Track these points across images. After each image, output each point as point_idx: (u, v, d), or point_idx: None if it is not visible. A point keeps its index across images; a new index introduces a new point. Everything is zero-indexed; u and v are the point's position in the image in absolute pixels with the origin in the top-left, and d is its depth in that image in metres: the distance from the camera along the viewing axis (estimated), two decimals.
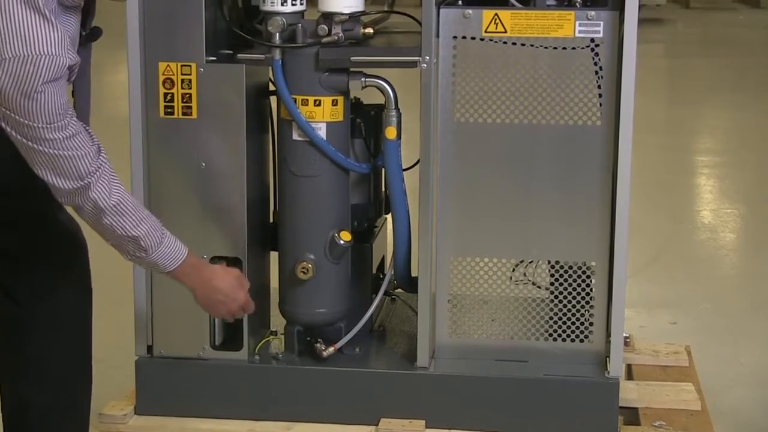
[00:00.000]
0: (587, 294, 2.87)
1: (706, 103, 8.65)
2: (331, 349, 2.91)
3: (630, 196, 2.76)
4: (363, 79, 2.81)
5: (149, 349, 2.95)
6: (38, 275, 2.59)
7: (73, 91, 2.47)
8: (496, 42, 2.77)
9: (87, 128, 2.37)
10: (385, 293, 3.06)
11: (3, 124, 2.27)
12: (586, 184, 2.81)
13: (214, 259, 2.88)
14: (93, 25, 2.43)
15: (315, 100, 2.80)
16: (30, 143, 2.26)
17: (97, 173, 2.34)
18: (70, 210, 2.49)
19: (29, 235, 2.56)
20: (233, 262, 2.89)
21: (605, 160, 2.79)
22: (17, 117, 2.23)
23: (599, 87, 2.76)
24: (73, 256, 2.64)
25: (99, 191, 2.34)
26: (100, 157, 2.35)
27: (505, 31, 2.77)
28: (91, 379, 2.71)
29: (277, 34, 2.74)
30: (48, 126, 2.24)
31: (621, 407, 2.86)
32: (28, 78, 2.19)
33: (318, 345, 2.91)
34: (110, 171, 2.38)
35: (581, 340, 2.89)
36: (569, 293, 2.88)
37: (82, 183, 2.32)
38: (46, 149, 2.27)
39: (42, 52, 2.19)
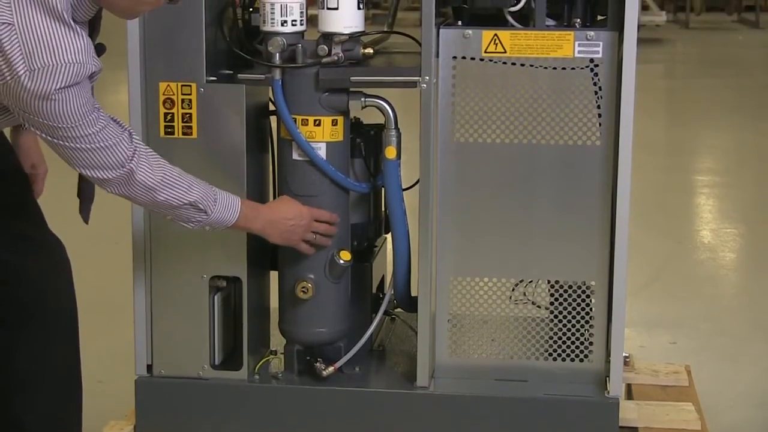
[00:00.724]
0: (587, 314, 2.87)
1: (706, 123, 8.67)
2: (331, 369, 2.91)
3: (629, 215, 2.77)
4: (363, 99, 2.82)
5: (149, 368, 2.95)
6: (25, 296, 2.60)
7: None
8: (495, 62, 2.78)
9: (114, 118, 2.43)
10: (385, 313, 3.06)
11: (41, 135, 2.33)
12: (586, 203, 2.81)
13: (214, 279, 2.88)
14: (98, 41, 2.46)
15: (315, 120, 2.80)
16: (66, 143, 2.33)
17: (136, 156, 2.43)
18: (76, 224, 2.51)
19: (15, 258, 2.58)
20: (233, 281, 2.89)
21: (605, 180, 2.80)
22: (48, 122, 2.28)
23: (599, 107, 2.77)
24: (58, 274, 2.65)
25: (143, 172, 2.44)
26: (134, 141, 2.44)
27: (505, 52, 2.78)
28: (81, 395, 2.72)
29: (277, 54, 2.75)
30: (78, 125, 2.30)
31: (621, 427, 2.85)
32: (46, 83, 2.23)
33: (318, 364, 2.91)
34: (146, 150, 2.48)
35: (581, 360, 2.89)
36: (569, 313, 2.88)
37: (124, 170, 2.41)
38: (81, 146, 2.34)
39: (69, 60, 2.23)
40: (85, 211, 2.72)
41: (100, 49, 2.48)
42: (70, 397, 2.70)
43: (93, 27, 2.43)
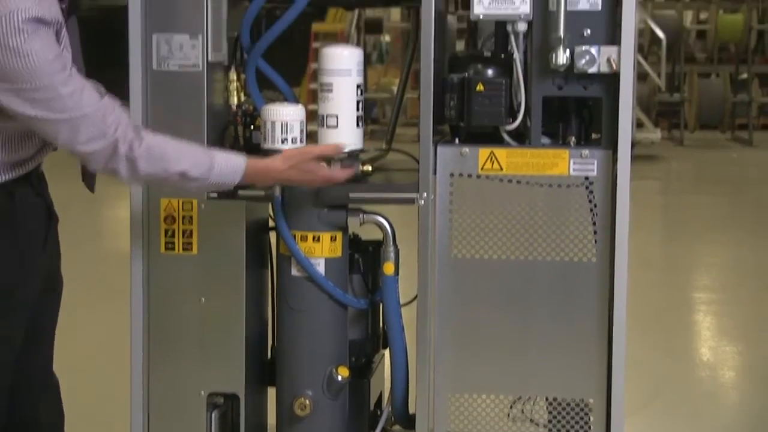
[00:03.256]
0: None
1: (703, 240, 8.70)
2: None
3: (626, 332, 2.77)
4: (362, 216, 2.85)
5: None
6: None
7: None
8: (492, 179, 2.82)
9: (97, 86, 2.47)
10: (383, 430, 3.04)
11: (20, 112, 2.36)
12: (583, 320, 2.82)
13: (212, 396, 2.87)
14: None
15: (314, 236, 2.83)
16: (47, 114, 2.36)
17: (120, 127, 2.44)
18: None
19: None
20: (231, 398, 2.88)
21: (601, 297, 2.81)
22: (24, 85, 2.33)
23: (594, 224, 2.80)
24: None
25: (128, 145, 2.45)
26: (116, 110, 2.46)
27: (501, 169, 2.82)
28: None
29: None
30: (51, 81, 2.34)
31: None
32: (10, 34, 2.29)
33: None
34: (131, 122, 2.49)
35: None
36: (567, 431, 2.86)
37: (108, 141, 2.42)
38: (62, 116, 2.37)
39: (10, 7, 2.30)
40: (89, 179, 2.73)
41: (74, 2, 2.54)
42: None
43: None
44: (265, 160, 2.66)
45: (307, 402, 2.84)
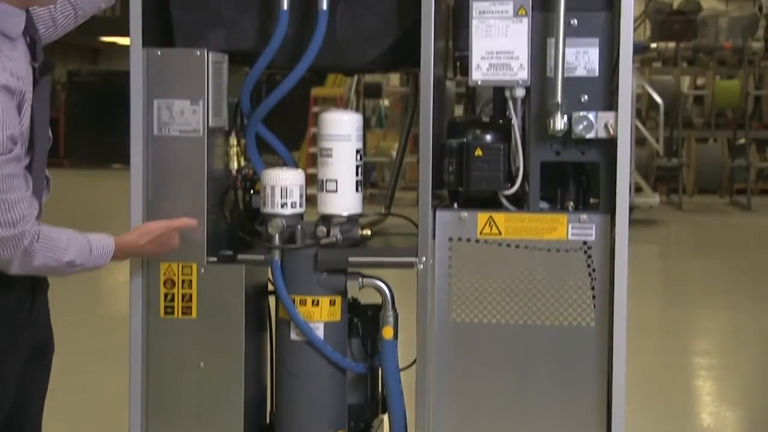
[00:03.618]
0: None
1: (702, 304, 8.69)
2: None
3: (626, 397, 2.76)
4: (361, 280, 2.86)
5: None
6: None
7: (31, 126, 2.51)
8: (491, 244, 2.83)
9: (27, 174, 2.48)
10: None
11: None
12: (582, 384, 2.81)
13: None
14: (45, 58, 2.54)
15: (313, 300, 2.83)
16: None
17: (30, 222, 2.45)
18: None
19: None
20: None
21: (600, 361, 2.81)
22: None
23: (593, 288, 2.81)
24: None
25: (30, 239, 2.46)
26: (33, 204, 2.47)
27: (500, 233, 2.83)
28: None
29: (277, 235, 2.80)
30: None
31: None
32: None
33: None
34: (38, 216, 2.51)
35: None
36: None
37: (16, 231, 2.43)
38: None
39: None
40: None
41: (47, 65, 2.54)
42: None
43: (33, 39, 2.52)
44: (127, 237, 2.73)
45: None
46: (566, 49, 2.76)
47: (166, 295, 2.84)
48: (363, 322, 2.97)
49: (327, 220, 2.84)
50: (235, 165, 2.93)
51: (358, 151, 2.82)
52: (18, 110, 2.43)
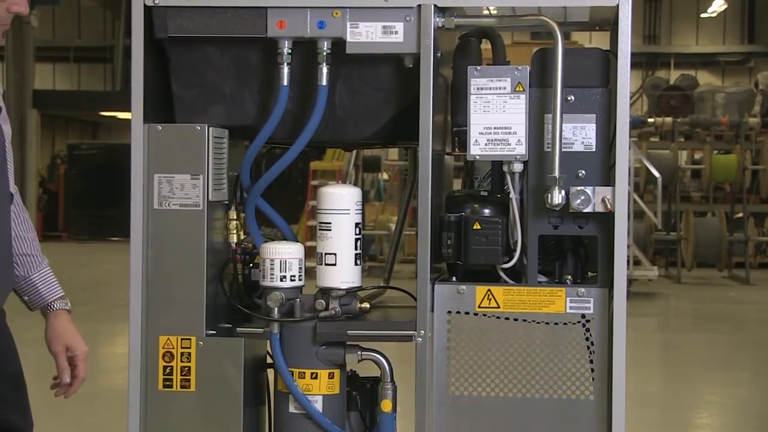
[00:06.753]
0: None
1: (701, 378, 8.66)
2: None
3: None
4: (359, 353, 2.86)
5: None
6: None
7: None
8: (489, 317, 2.84)
9: None
10: None
11: None
12: None
13: None
14: None
15: (312, 373, 2.83)
16: None
17: None
18: None
19: None
20: None
21: None
22: None
23: (591, 361, 2.81)
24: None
25: None
26: None
27: (498, 307, 2.84)
28: None
29: (276, 308, 2.81)
30: None
31: None
32: None
33: None
34: None
35: None
36: None
37: None
38: None
39: None
40: None
41: None
42: None
43: None
44: (69, 325, 2.91)
45: None
46: (563, 125, 2.79)
47: (164, 368, 2.84)
48: (362, 395, 2.97)
49: (326, 293, 2.84)
50: (234, 238, 2.95)
51: (357, 225, 2.84)
52: None
